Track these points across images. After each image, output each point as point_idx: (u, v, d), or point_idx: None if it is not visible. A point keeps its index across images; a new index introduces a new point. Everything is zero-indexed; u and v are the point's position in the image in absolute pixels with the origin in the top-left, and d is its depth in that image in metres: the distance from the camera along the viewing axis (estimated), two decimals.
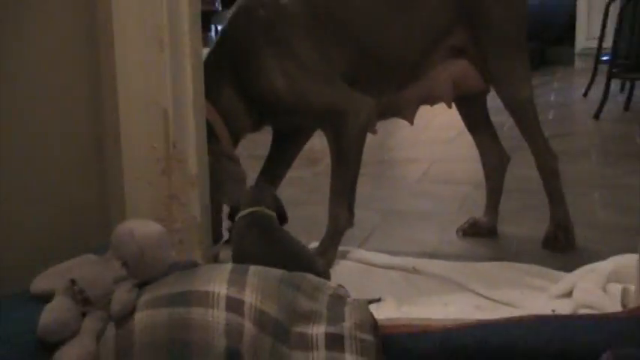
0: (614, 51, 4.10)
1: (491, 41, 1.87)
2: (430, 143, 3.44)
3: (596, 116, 3.97)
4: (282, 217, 1.58)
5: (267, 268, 1.21)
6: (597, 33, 4.59)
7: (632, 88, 4.24)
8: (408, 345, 1.20)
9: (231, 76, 1.77)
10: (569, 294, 1.56)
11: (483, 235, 2.07)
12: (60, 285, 1.09)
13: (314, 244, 1.84)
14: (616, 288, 1.52)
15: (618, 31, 4.07)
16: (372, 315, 1.19)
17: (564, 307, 1.50)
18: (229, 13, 1.83)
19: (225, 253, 1.70)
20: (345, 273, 1.75)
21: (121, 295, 1.10)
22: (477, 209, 2.15)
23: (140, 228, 1.17)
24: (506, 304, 1.57)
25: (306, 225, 1.97)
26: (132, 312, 1.10)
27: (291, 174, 2.04)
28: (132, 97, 1.48)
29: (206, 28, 6.12)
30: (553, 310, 1.49)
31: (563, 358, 1.15)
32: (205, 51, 1.71)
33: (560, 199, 1.96)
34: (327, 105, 1.76)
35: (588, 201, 2.36)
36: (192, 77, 1.50)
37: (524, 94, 1.92)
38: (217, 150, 1.70)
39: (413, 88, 1.91)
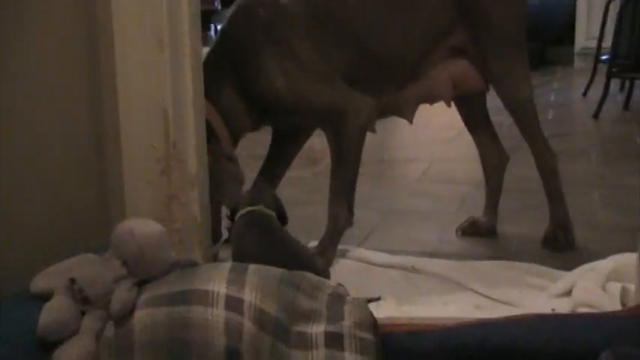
0: (614, 50, 4.10)
1: (491, 41, 1.88)
2: (430, 143, 3.44)
3: (596, 116, 3.98)
4: (283, 218, 1.58)
5: (267, 267, 1.21)
6: (597, 32, 4.59)
7: (631, 87, 4.25)
8: (407, 344, 1.20)
9: (232, 76, 1.77)
10: (568, 293, 1.57)
11: (483, 235, 2.07)
12: (59, 284, 1.09)
13: (313, 243, 1.85)
14: (615, 287, 1.52)
15: (618, 31, 4.07)
16: (371, 314, 1.19)
17: (564, 306, 1.50)
18: (229, 12, 1.83)
19: (226, 252, 1.70)
20: (345, 272, 1.75)
21: (121, 294, 1.10)
22: (477, 209, 2.15)
23: (140, 227, 1.17)
24: (506, 303, 1.58)
25: (306, 225, 1.97)
26: (131, 311, 1.10)
27: (291, 174, 2.04)
28: (132, 97, 1.48)
29: (205, 27, 6.12)
30: (553, 309, 1.49)
31: (562, 356, 1.15)
32: (205, 50, 1.71)
33: (560, 198, 1.96)
34: (327, 105, 1.76)
35: (588, 201, 2.36)
36: (192, 77, 1.50)
37: (523, 94, 1.92)
38: (217, 150, 1.71)
39: (412, 88, 1.91)
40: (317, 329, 1.14)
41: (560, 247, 1.93)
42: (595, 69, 4.60)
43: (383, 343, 1.16)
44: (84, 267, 1.13)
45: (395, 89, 1.90)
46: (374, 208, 2.34)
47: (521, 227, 2.12)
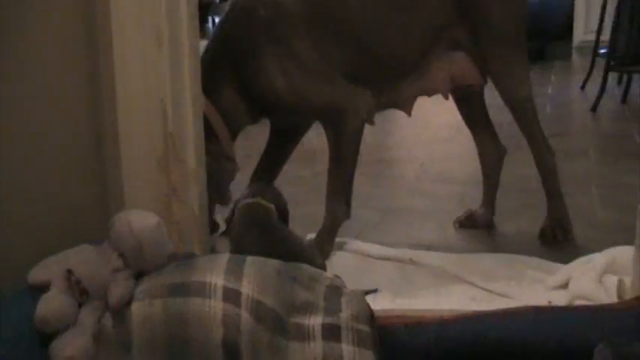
0: (612, 44, 4.09)
1: (491, 41, 1.89)
2: (429, 142, 3.44)
3: (594, 109, 3.98)
4: (284, 215, 1.58)
5: (264, 259, 1.22)
6: (595, 26, 4.58)
7: (629, 80, 4.24)
8: (404, 337, 1.20)
9: (232, 76, 1.78)
10: (565, 285, 1.57)
11: (480, 227, 2.08)
12: (57, 275, 1.09)
13: (310, 236, 1.86)
14: (612, 280, 1.52)
15: (616, 24, 4.07)
16: (368, 306, 1.20)
17: (560, 299, 1.51)
18: (227, 4, 1.83)
19: (223, 243, 1.69)
20: (342, 264, 1.76)
21: (118, 286, 1.10)
22: (475, 207, 2.15)
23: (138, 220, 1.17)
24: (502, 295, 1.58)
25: (306, 224, 1.97)
26: (129, 303, 1.11)
27: (291, 173, 2.04)
28: (130, 95, 1.49)
29: (203, 20, 6.12)
30: (549, 302, 1.49)
31: (559, 349, 1.15)
32: (202, 43, 1.71)
33: (559, 197, 1.97)
34: (327, 104, 1.77)
35: (587, 200, 2.36)
36: (191, 75, 1.51)
37: (522, 93, 1.94)
38: (216, 150, 1.72)
39: (411, 81, 1.91)
40: (314, 321, 1.15)
41: (558, 241, 1.93)
42: (593, 62, 4.58)
43: (379, 335, 1.17)
44: (81, 258, 1.13)
45: (394, 86, 1.92)
46: (373, 207, 2.34)
47: (519, 225, 2.12)
